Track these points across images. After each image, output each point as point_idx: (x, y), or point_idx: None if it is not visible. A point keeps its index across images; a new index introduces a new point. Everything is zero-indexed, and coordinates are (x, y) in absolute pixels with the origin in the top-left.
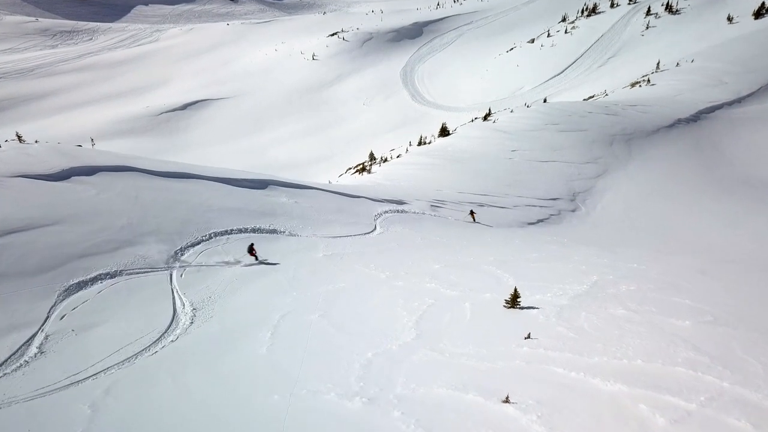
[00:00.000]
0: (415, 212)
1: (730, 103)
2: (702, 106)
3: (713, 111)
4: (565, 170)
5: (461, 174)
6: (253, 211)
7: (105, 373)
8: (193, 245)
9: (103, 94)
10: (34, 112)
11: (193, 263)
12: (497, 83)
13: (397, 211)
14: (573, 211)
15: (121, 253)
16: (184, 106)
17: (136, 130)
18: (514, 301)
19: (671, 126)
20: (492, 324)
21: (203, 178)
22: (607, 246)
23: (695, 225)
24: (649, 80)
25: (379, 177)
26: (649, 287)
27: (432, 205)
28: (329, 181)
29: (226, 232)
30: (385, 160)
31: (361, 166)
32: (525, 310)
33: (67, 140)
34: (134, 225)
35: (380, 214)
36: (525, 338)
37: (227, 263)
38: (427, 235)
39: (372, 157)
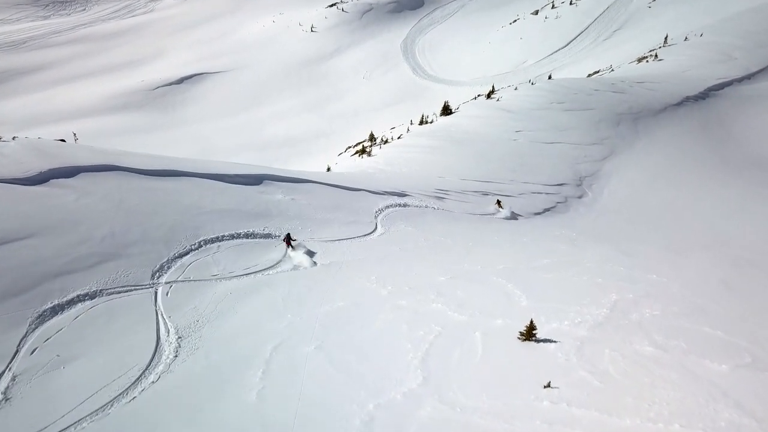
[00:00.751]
0: (417, 206)
1: (739, 80)
2: (710, 83)
3: (722, 88)
4: (571, 152)
5: (464, 157)
6: (247, 212)
7: (75, 428)
8: (181, 256)
9: (97, 67)
10: (27, 85)
11: (180, 278)
12: (500, 56)
13: (399, 206)
14: (579, 197)
15: (102, 268)
16: (180, 80)
17: (131, 105)
18: (529, 333)
19: (679, 104)
20: (507, 362)
21: (194, 176)
22: (619, 241)
23: (704, 213)
24: (656, 55)
25: (379, 161)
26: (674, 310)
27: (435, 197)
28: (328, 168)
29: (216, 239)
30: (386, 142)
31: (361, 147)
32: (541, 343)
33: (62, 117)
34: (117, 235)
35: (381, 210)
36: (544, 387)
37: (217, 277)
38: (430, 234)
39: (372, 138)
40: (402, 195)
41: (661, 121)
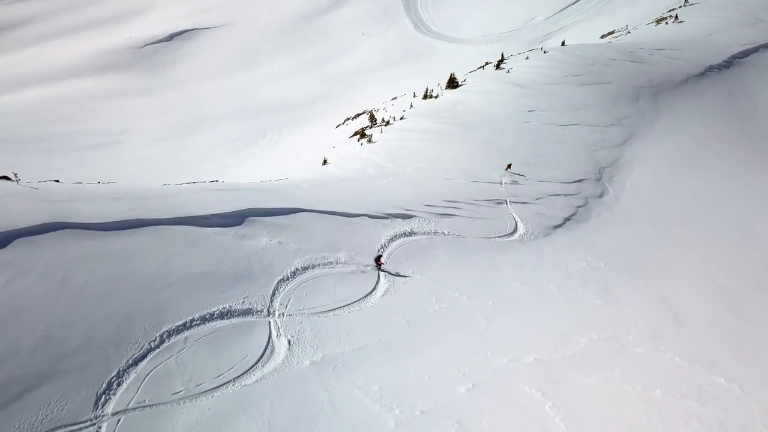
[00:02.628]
0: (425, 233)
1: (766, 46)
2: (735, 50)
3: (747, 55)
4: (589, 136)
5: (473, 147)
6: (224, 274)
7: None
8: (135, 362)
9: (82, 22)
10: (8, 43)
11: (132, 404)
12: (508, 12)
13: (405, 235)
14: (600, 196)
15: (26, 403)
16: (170, 37)
17: (120, 64)
18: None
19: (701, 74)
20: None
21: (161, 223)
22: (657, 280)
23: (736, 210)
24: (676, 17)
25: (380, 152)
26: None
27: (444, 214)
28: (324, 160)
29: (183, 327)
30: (387, 123)
31: (361, 131)
32: None
33: (48, 77)
34: (53, 338)
35: (385, 246)
36: None
37: (181, 397)
38: (442, 289)
39: (372, 119)
40: (407, 216)
41: (682, 93)
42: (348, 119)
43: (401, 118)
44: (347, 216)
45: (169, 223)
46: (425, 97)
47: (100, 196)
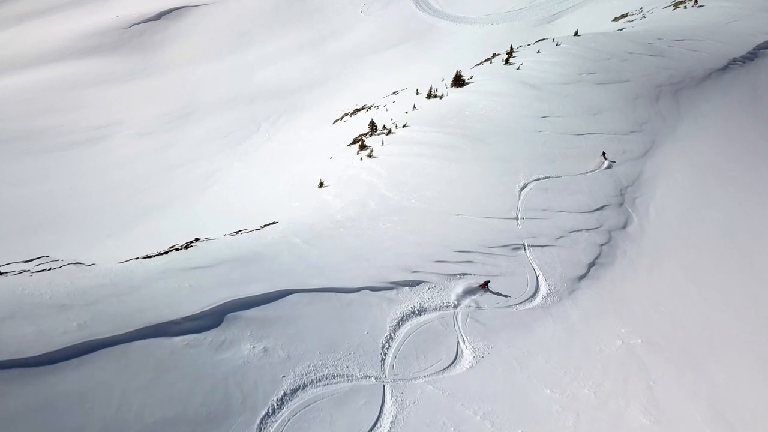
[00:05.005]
0: (437, 310)
1: None
2: (759, 39)
3: None
4: (608, 146)
5: (483, 167)
6: (194, 417)
7: None
8: None
9: (65, 0)
10: None
11: None
12: None
13: (414, 314)
14: (624, 227)
15: None
16: (159, 16)
17: (105, 46)
18: None
19: (724, 68)
20: None
21: (120, 342)
22: (700, 362)
23: None
24: (696, 1)
25: (382, 174)
26: None
27: (456, 274)
28: (320, 183)
29: None
30: (389, 132)
31: (361, 142)
32: None
33: (29, 61)
34: None
35: (391, 338)
36: None
37: None
38: (461, 411)
39: (373, 127)
40: (415, 283)
41: (704, 91)
42: (346, 115)
43: (404, 126)
44: (346, 292)
45: (129, 338)
46: (429, 96)
47: (44, 304)
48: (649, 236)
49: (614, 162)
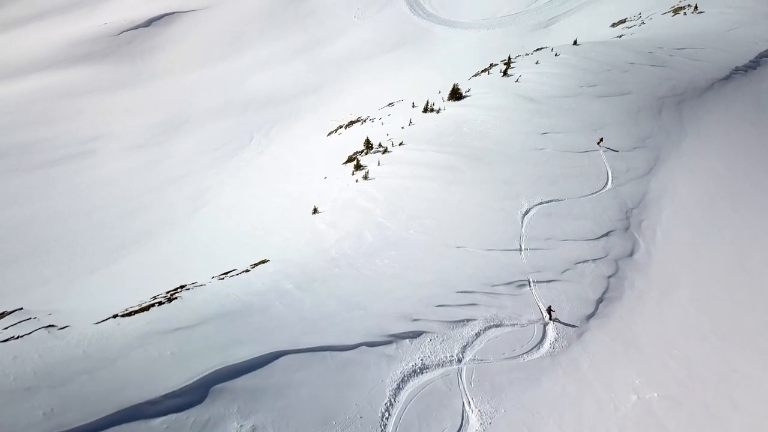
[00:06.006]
0: (440, 366)
1: None
2: (762, 47)
3: None
4: (611, 165)
5: (484, 190)
6: None
7: None
8: None
9: (53, 6)
10: None
11: None
12: None
13: (415, 373)
14: (631, 255)
15: None
16: (149, 22)
17: (95, 54)
18: None
19: (727, 78)
20: None
21: (92, 429)
22: (721, 422)
23: None
24: (696, 6)
25: (378, 199)
26: None
27: (460, 321)
28: (315, 209)
29: None
30: (385, 150)
31: (356, 161)
32: None
33: (18, 70)
34: None
35: (390, 406)
36: None
37: None
38: None
39: (368, 144)
40: (416, 334)
41: (707, 102)
42: (341, 127)
43: (400, 143)
44: (341, 350)
45: (102, 426)
46: (425, 110)
47: (8, 389)
48: (657, 264)
49: (613, 149)
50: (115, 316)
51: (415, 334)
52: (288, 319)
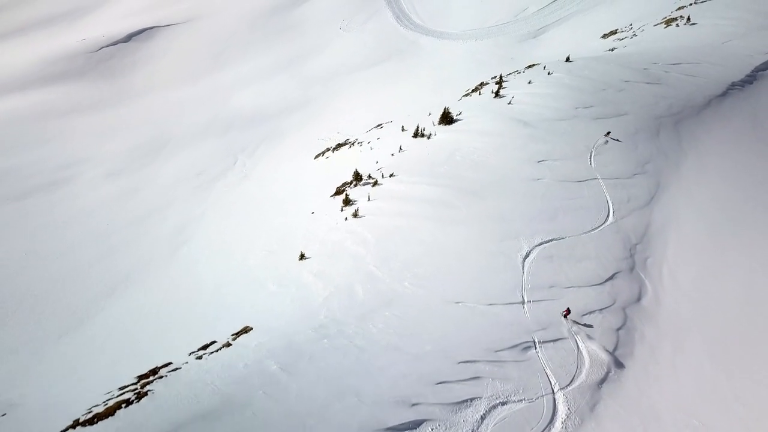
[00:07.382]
0: None
1: None
2: (758, 60)
3: None
4: (611, 194)
5: (480, 229)
6: None
7: None
8: None
9: (28, 21)
10: None
11: None
12: (498, 2)
13: None
14: (638, 300)
15: None
16: (128, 38)
17: (72, 72)
18: None
19: (724, 94)
20: None
21: None
22: None
23: None
24: (689, 18)
25: (370, 242)
26: None
27: (463, 401)
28: (302, 255)
29: None
30: (375, 183)
31: (345, 195)
32: None
33: None
34: None
35: None
36: None
37: None
38: None
39: (357, 176)
40: (416, 425)
41: (705, 120)
42: (328, 150)
43: (391, 175)
44: None
45: None
46: (416, 135)
47: None
48: (666, 309)
49: (617, 140)
50: (75, 425)
51: (414, 425)
52: (272, 416)
